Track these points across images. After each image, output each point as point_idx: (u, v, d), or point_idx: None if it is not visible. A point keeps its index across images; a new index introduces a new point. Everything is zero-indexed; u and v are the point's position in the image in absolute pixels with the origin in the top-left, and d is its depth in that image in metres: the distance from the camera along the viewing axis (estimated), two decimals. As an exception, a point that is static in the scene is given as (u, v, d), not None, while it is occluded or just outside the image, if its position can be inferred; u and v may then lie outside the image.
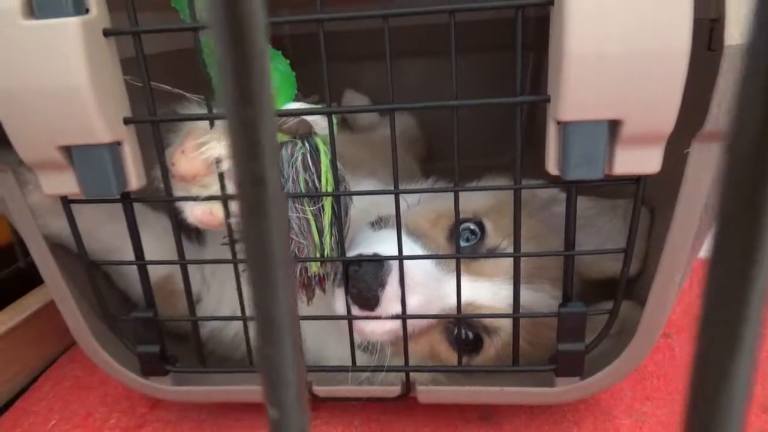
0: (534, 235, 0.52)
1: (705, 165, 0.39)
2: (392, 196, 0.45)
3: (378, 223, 0.53)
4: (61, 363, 0.65)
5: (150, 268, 0.50)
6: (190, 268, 0.50)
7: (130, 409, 0.57)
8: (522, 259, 0.46)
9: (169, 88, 0.46)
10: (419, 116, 1.21)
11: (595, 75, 0.36)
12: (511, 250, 0.47)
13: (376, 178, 0.67)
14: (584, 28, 0.35)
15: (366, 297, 0.45)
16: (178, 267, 0.49)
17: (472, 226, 0.52)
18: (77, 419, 0.55)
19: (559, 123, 0.38)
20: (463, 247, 0.50)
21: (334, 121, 0.43)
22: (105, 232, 0.53)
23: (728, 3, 0.35)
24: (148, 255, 0.50)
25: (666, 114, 0.36)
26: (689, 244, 0.42)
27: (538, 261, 0.51)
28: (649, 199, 0.52)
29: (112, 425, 0.54)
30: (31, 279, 0.66)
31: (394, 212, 0.46)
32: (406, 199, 0.56)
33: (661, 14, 0.34)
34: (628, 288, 0.47)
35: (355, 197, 0.49)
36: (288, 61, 0.46)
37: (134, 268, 0.50)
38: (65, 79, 0.39)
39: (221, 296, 0.60)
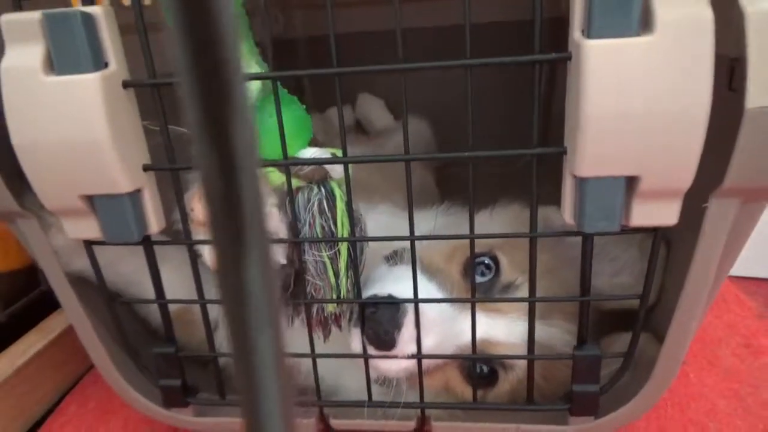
0: (548, 269, 0.53)
1: (723, 220, 0.39)
2: (407, 226, 0.45)
3: (393, 258, 0.54)
4: (85, 384, 0.67)
5: (169, 296, 0.51)
6: (208, 296, 0.51)
7: (152, 435, 0.58)
8: (536, 295, 0.46)
9: (184, 130, 0.47)
10: (433, 122, 1.21)
11: (612, 134, 0.35)
12: (526, 286, 0.47)
13: (391, 202, 0.68)
14: (603, 89, 0.34)
15: (382, 339, 0.45)
16: (195, 296, 0.50)
17: (487, 261, 0.52)
18: (102, 445, 0.57)
19: (575, 177, 0.38)
20: (478, 284, 0.51)
21: (347, 169, 0.43)
22: (126, 266, 0.55)
23: (750, 64, 0.34)
24: (167, 285, 0.51)
25: (684, 172, 0.36)
26: (705, 294, 0.42)
27: (552, 295, 0.52)
28: (666, 231, 0.52)
29: (135, 452, 0.56)
30: (53, 299, 0.67)
31: (408, 245, 0.47)
32: (420, 230, 0.57)
33: (680, 76, 0.34)
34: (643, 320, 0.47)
35: (369, 226, 0.49)
36: (304, 106, 0.46)
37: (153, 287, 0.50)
38: (86, 133, 0.40)
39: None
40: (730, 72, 0.40)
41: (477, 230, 0.45)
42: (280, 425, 0.15)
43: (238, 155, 0.13)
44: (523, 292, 0.50)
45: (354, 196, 0.44)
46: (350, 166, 0.44)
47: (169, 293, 0.51)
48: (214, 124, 0.13)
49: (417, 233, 0.47)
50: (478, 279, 0.51)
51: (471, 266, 0.46)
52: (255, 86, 0.44)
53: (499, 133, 1.08)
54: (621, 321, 0.55)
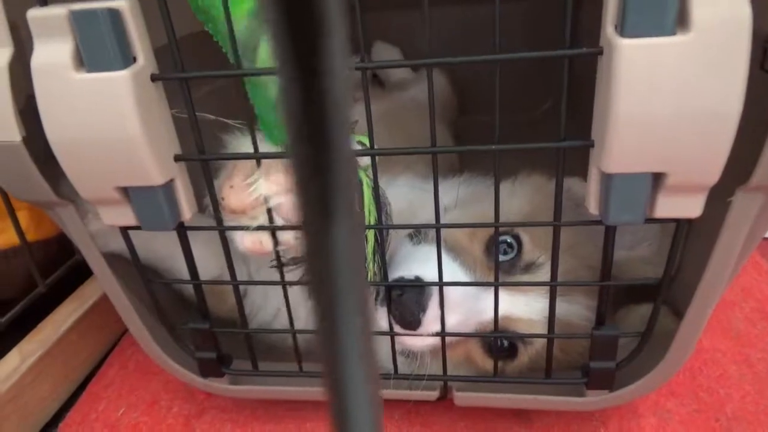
0: (569, 246, 0.54)
1: (747, 213, 0.39)
2: (429, 199, 0.46)
3: (416, 236, 0.55)
4: (123, 346, 0.70)
5: (200, 269, 0.53)
6: (237, 263, 0.53)
7: (191, 396, 0.62)
8: (558, 271, 0.47)
9: (213, 117, 0.47)
10: (451, 72, 1.19)
11: (641, 133, 0.35)
12: (548, 265, 0.49)
13: (412, 172, 0.68)
14: (634, 89, 0.34)
15: (408, 320, 0.47)
16: (225, 268, 0.52)
17: (509, 240, 0.53)
18: (144, 406, 0.61)
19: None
20: (500, 263, 0.52)
21: (374, 161, 0.44)
22: (159, 243, 0.57)
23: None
24: (198, 259, 0.52)
25: (711, 169, 0.36)
26: (725, 280, 0.43)
27: (572, 272, 0.53)
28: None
29: (175, 413, 0.60)
30: (86, 266, 0.70)
31: (432, 218, 0.48)
32: (443, 202, 0.57)
33: (714, 77, 0.33)
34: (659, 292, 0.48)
35: (392, 199, 0.50)
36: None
37: (187, 270, 0.52)
38: (119, 129, 0.40)
39: (266, 290, 0.63)
40: (763, 51, 0.40)
41: (500, 206, 0.45)
42: (367, 409, 0.15)
43: (329, 117, 0.12)
44: (545, 270, 0.51)
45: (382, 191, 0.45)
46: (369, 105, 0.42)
47: (201, 265, 0.52)
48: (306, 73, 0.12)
49: (439, 206, 0.47)
50: (501, 258, 0.52)
51: (495, 250, 0.47)
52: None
53: (523, 73, 1.06)
54: (638, 291, 0.56)
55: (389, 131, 0.82)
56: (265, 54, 0.44)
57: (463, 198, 0.61)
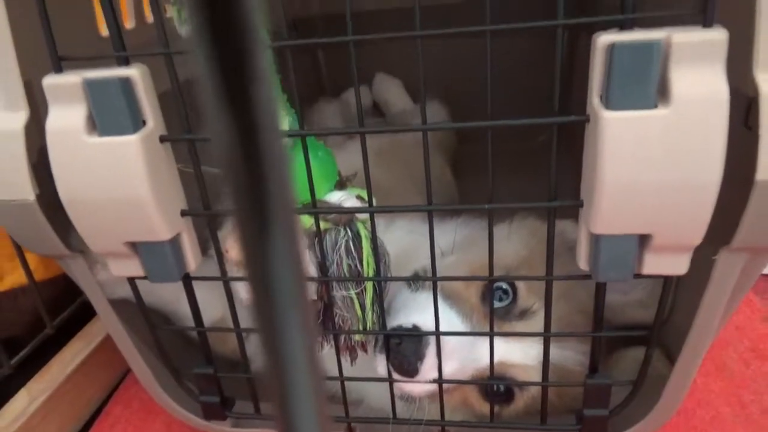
0: (563, 292, 0.55)
1: (731, 271, 0.41)
2: (427, 243, 0.47)
3: (414, 282, 0.56)
4: (127, 385, 0.72)
5: (204, 310, 0.55)
6: (239, 307, 0.54)
7: (193, 436, 0.63)
8: (552, 318, 0.48)
9: (218, 170, 0.49)
10: (449, 102, 1.21)
11: (627, 198, 0.37)
12: (543, 311, 0.50)
13: (408, 217, 0.70)
14: (619, 157, 0.36)
15: (406, 368, 0.49)
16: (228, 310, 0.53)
17: (504, 286, 0.55)
18: (148, 446, 0.62)
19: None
20: (495, 308, 0.53)
21: (373, 218, 0.46)
22: (164, 288, 0.58)
23: (762, 139, 0.36)
24: (202, 302, 0.54)
25: (695, 232, 0.38)
26: (713, 332, 0.45)
27: (566, 318, 0.54)
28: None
29: (178, 454, 0.61)
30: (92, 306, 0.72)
31: (429, 267, 0.49)
32: (439, 246, 0.59)
33: (695, 148, 0.35)
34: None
35: (389, 244, 0.51)
36: (329, 150, 0.48)
37: (190, 312, 0.54)
38: (128, 189, 0.42)
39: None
40: (747, 109, 0.41)
41: (495, 250, 0.46)
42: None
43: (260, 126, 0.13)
44: (540, 316, 0.52)
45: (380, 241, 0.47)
46: (372, 168, 0.44)
47: (204, 307, 0.54)
48: (234, 91, 0.13)
49: (435, 248, 0.49)
50: (496, 304, 0.54)
51: (489, 301, 0.48)
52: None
53: (517, 109, 1.08)
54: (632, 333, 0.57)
55: (389, 167, 0.84)
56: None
57: (461, 241, 0.63)
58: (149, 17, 0.64)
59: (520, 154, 1.18)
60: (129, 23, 0.59)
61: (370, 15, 1.16)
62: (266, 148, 0.13)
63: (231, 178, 0.14)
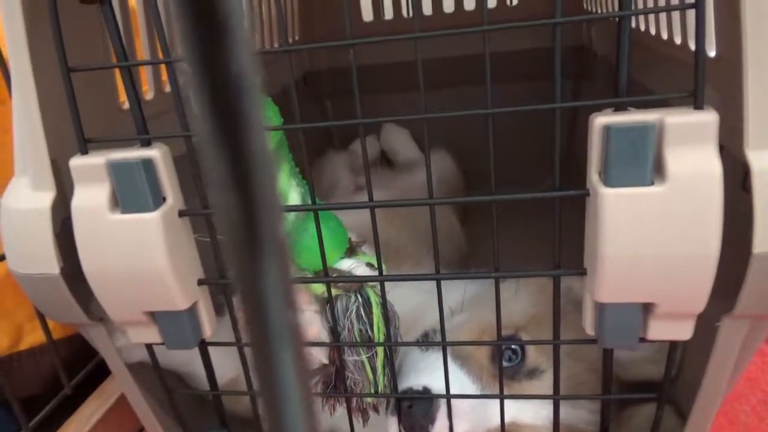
0: (572, 351, 0.56)
1: (734, 336, 0.42)
2: (436, 302, 0.48)
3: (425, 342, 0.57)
4: (141, 442, 0.72)
5: (218, 370, 0.56)
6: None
7: (207, 497, 0.63)
8: (561, 376, 0.49)
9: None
10: (456, 149, 1.23)
11: (628, 270, 0.38)
12: (551, 371, 0.51)
13: (421, 268, 0.71)
14: (619, 232, 0.37)
15: (418, 431, 0.49)
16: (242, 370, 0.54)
17: (514, 346, 0.56)
18: (162, 508, 0.62)
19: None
20: (504, 368, 0.54)
21: (383, 287, 0.47)
22: (180, 351, 0.59)
23: (756, 213, 0.37)
24: (216, 362, 0.55)
25: (696, 301, 0.39)
26: (722, 393, 0.45)
27: (576, 377, 0.55)
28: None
29: None
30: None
31: (438, 327, 0.50)
32: (449, 305, 0.60)
33: (691, 223, 0.36)
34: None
35: (398, 301, 0.53)
36: (339, 219, 0.50)
37: (204, 373, 0.55)
38: (148, 263, 0.44)
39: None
40: (744, 174, 0.43)
41: (502, 307, 0.48)
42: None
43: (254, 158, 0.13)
44: (549, 376, 0.53)
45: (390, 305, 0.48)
46: (377, 223, 0.45)
47: (218, 367, 0.55)
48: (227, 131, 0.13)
49: (445, 307, 0.50)
50: (505, 364, 0.54)
51: (498, 364, 0.49)
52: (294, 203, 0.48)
53: (523, 152, 1.10)
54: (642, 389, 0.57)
55: (398, 222, 0.86)
56: (284, 180, 0.48)
57: (470, 299, 0.64)
58: (166, 86, 0.67)
59: (525, 201, 1.20)
60: (148, 95, 0.62)
61: (376, 68, 1.19)
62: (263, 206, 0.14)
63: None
